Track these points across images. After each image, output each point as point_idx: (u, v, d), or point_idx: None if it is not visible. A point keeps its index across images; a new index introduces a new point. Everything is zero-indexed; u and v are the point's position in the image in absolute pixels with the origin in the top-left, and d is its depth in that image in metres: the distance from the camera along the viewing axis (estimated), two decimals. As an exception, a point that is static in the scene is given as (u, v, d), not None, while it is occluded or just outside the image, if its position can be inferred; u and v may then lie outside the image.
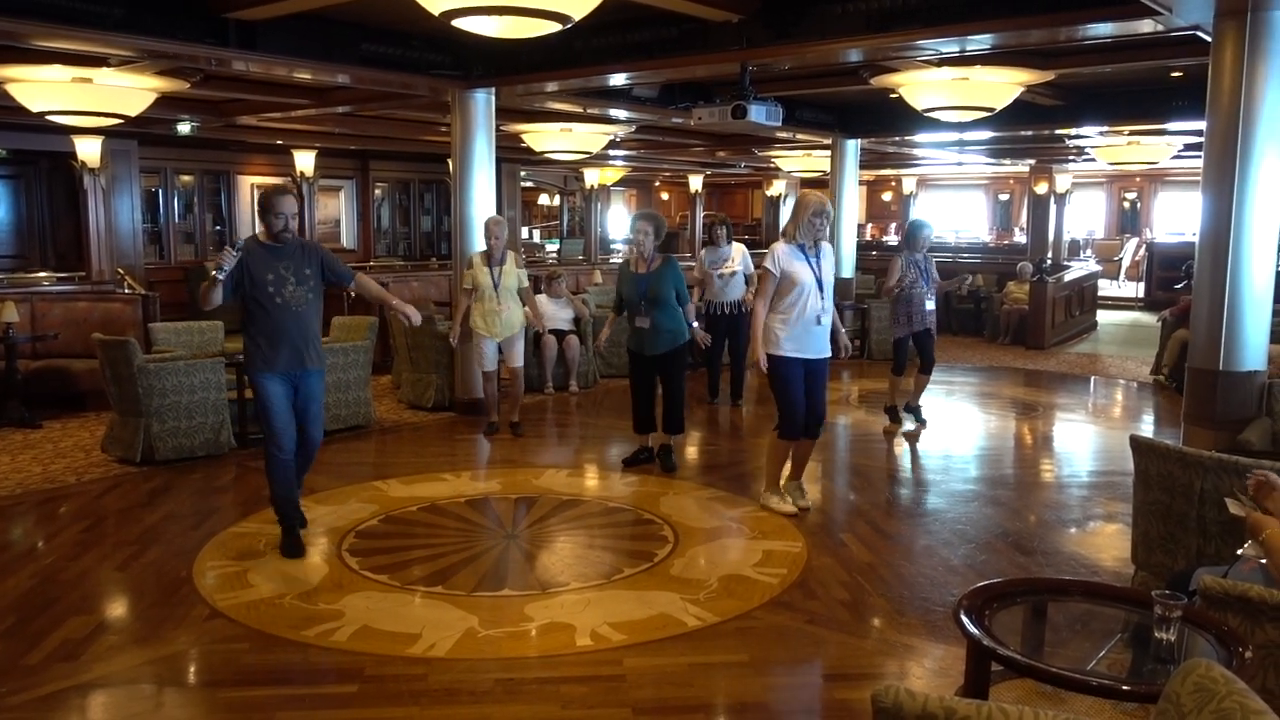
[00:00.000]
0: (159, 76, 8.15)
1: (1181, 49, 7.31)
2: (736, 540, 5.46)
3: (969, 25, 6.24)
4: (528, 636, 4.18)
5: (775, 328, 5.60)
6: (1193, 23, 5.58)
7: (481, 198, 8.86)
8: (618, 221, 26.71)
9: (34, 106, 8.28)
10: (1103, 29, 6.21)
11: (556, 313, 10.00)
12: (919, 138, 13.97)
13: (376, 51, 7.71)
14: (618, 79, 8.26)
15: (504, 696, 3.66)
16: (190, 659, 4.02)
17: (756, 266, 9.08)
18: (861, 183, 17.06)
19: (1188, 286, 9.28)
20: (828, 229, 5.71)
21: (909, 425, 8.34)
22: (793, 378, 5.63)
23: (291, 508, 5.18)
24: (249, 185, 16.41)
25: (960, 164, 21.78)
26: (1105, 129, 12.41)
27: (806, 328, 5.59)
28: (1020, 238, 23.44)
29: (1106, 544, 5.53)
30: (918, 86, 8.55)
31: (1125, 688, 2.59)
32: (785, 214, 24.19)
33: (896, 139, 14.04)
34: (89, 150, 12.90)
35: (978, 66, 7.96)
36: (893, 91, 9.04)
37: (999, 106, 8.75)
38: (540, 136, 12.08)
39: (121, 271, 13.01)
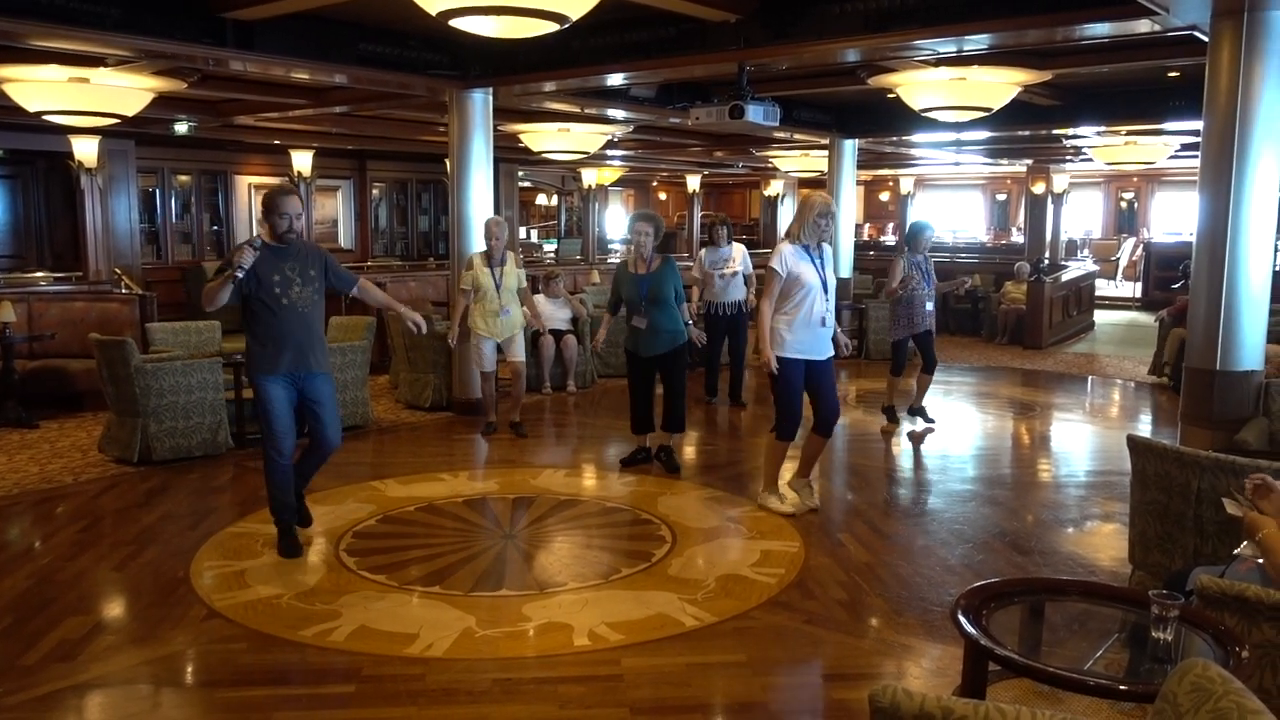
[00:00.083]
0: (156, 76, 8.14)
1: (1179, 49, 7.32)
2: (734, 540, 5.46)
3: (966, 25, 6.24)
4: (525, 636, 4.17)
5: (780, 329, 5.59)
6: (1190, 23, 5.58)
7: (479, 198, 8.86)
8: (615, 221, 26.71)
9: (31, 106, 8.27)
10: (1100, 29, 6.22)
11: (554, 313, 10.00)
12: (916, 138, 13.97)
13: (374, 51, 7.71)
14: (615, 79, 8.26)
15: (502, 696, 3.66)
16: (187, 659, 4.01)
17: (758, 267, 9.11)
18: (859, 183, 17.08)
19: (1185, 286, 9.30)
20: (833, 230, 5.71)
21: (917, 426, 8.32)
22: (794, 379, 5.62)
23: (289, 511, 5.16)
24: (246, 185, 16.39)
25: (958, 164, 21.79)
26: (1102, 129, 12.42)
27: (811, 329, 5.59)
28: (1018, 238, 23.44)
29: (1104, 544, 5.54)
30: (915, 86, 8.55)
31: (1122, 687, 2.59)
32: (783, 214, 24.25)
33: (894, 139, 14.03)
34: (86, 150, 12.88)
35: (975, 66, 7.96)
36: (890, 91, 9.05)
37: (996, 106, 8.76)
38: (538, 136, 12.08)
39: (118, 271, 12.99)
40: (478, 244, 8.77)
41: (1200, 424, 5.46)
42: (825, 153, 13.25)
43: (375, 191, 17.97)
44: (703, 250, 9.21)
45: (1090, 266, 18.31)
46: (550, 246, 22.79)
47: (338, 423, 5.21)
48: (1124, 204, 25.24)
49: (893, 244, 23.13)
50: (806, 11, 6.66)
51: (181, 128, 11.64)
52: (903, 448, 7.92)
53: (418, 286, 12.45)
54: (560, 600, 4.55)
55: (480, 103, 8.69)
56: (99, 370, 7.17)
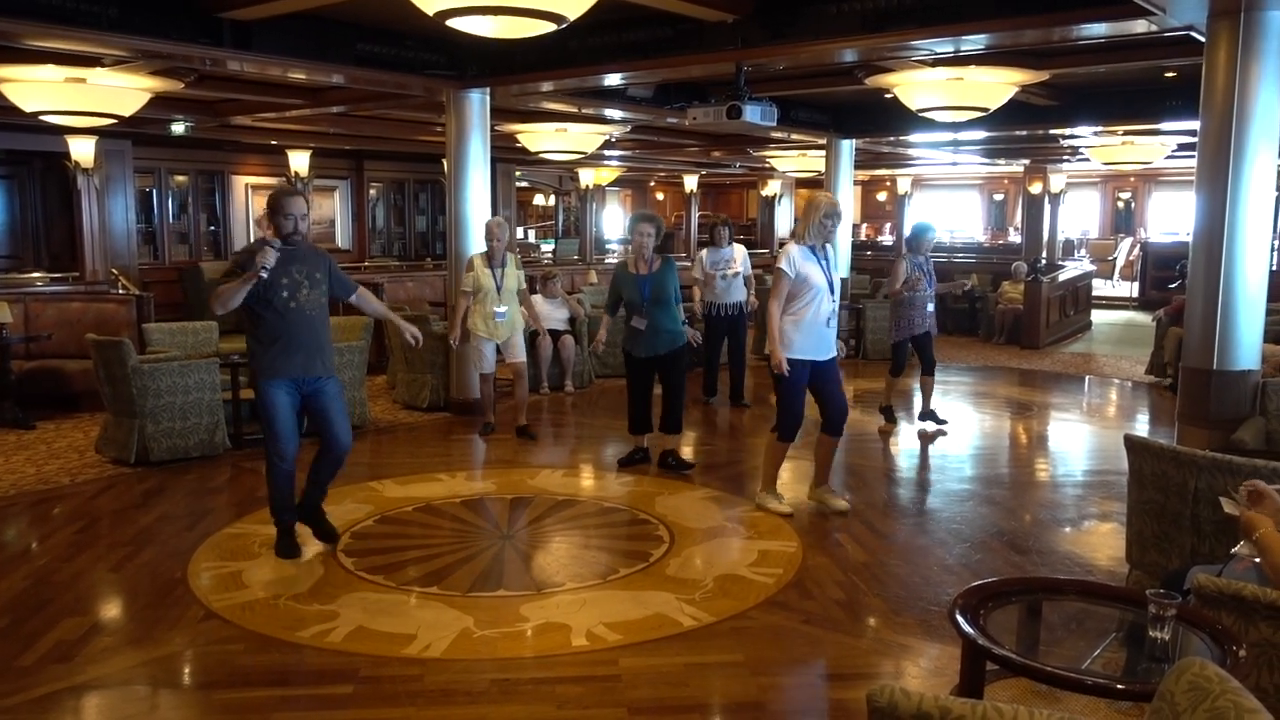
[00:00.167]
0: (153, 76, 8.13)
1: (1175, 49, 7.32)
2: (732, 540, 5.46)
3: (963, 25, 6.25)
4: (523, 637, 4.17)
5: (786, 329, 5.57)
6: (1186, 23, 5.59)
7: (476, 198, 8.86)
8: (613, 221, 26.71)
9: (27, 106, 8.25)
10: (1097, 29, 6.23)
11: (552, 313, 10.00)
12: (914, 138, 13.98)
13: (371, 51, 7.70)
14: (613, 79, 8.26)
15: (500, 697, 3.66)
16: (185, 660, 4.01)
17: (757, 267, 9.12)
18: (856, 183, 17.08)
19: (1181, 286, 9.31)
20: (838, 230, 5.70)
21: (929, 428, 8.31)
22: (798, 380, 5.60)
23: (289, 512, 5.14)
24: (244, 185, 16.37)
25: (955, 164, 21.80)
26: (1099, 129, 12.43)
27: (817, 329, 5.58)
28: (1015, 237, 23.46)
29: (1101, 543, 5.55)
30: (912, 86, 8.55)
31: (1120, 687, 2.59)
32: (780, 214, 24.24)
33: (891, 139, 14.04)
34: (83, 150, 12.86)
35: (972, 66, 7.97)
36: (887, 91, 9.05)
37: (993, 107, 8.76)
38: (535, 136, 12.07)
39: (115, 272, 12.98)
40: (475, 244, 8.77)
41: (1197, 423, 5.46)
42: (823, 153, 13.26)
43: (372, 191, 17.96)
44: (704, 251, 9.17)
45: (1087, 266, 18.34)
46: (548, 246, 22.80)
47: (348, 426, 5.13)
48: (1121, 204, 25.27)
49: (890, 244, 23.15)
50: (803, 11, 6.66)
51: (178, 128, 11.63)
52: (900, 448, 7.92)
53: (415, 287, 12.45)
54: (558, 600, 4.55)
55: (477, 103, 8.68)
56: (96, 371, 7.16)
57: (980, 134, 13.01)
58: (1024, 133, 13.38)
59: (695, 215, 23.78)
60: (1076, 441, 8.38)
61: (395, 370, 9.56)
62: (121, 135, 12.80)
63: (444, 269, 10.69)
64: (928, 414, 8.38)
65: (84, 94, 8.03)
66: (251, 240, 16.51)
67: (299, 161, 15.74)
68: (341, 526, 5.51)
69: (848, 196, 13.41)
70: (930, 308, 8.15)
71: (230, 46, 6.89)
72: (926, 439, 8.10)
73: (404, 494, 6.27)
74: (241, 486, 6.59)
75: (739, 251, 9.00)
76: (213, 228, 16.17)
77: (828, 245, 5.64)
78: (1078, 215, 25.03)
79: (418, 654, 3.98)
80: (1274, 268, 6.58)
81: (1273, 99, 5.22)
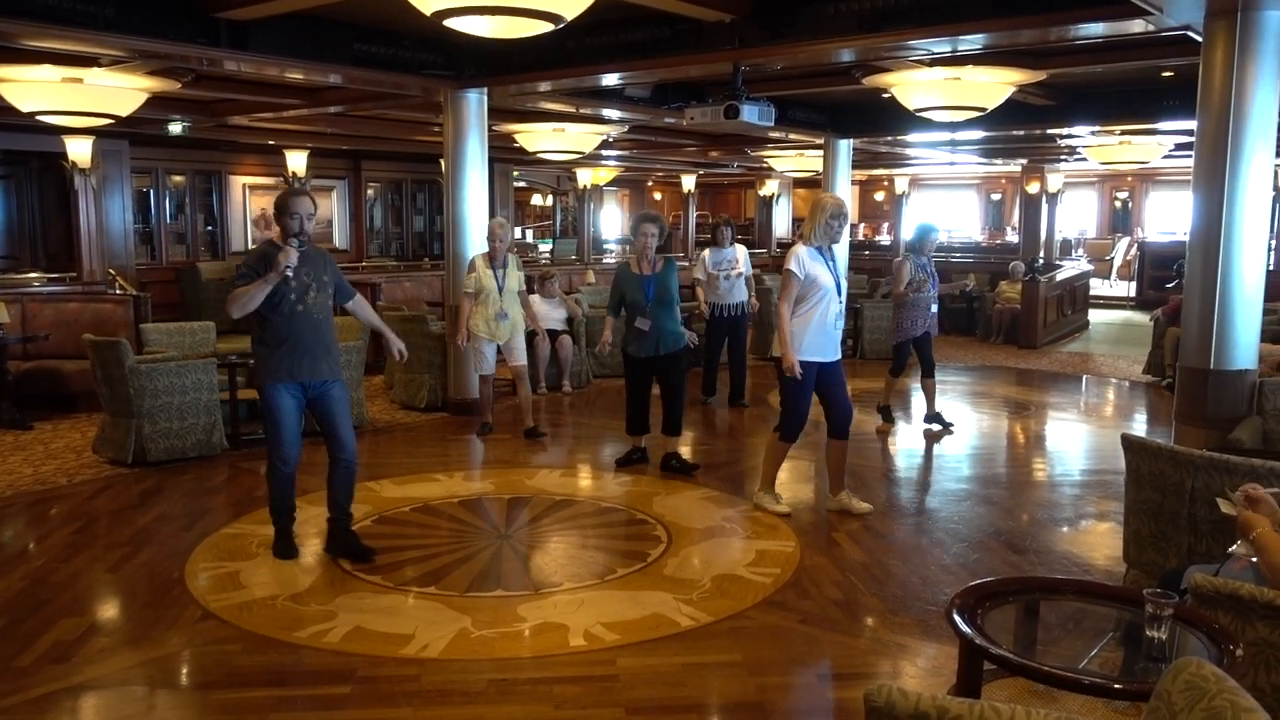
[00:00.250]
0: (150, 76, 8.12)
1: (1172, 49, 7.33)
2: (730, 540, 5.46)
3: (961, 25, 6.25)
4: (521, 637, 4.17)
5: (795, 330, 5.54)
6: (1183, 23, 5.59)
7: (474, 198, 8.86)
8: (610, 221, 26.71)
9: (24, 106, 8.25)
10: (1094, 29, 6.23)
11: (549, 313, 10.00)
12: (911, 137, 13.98)
13: (368, 51, 7.70)
14: (610, 79, 8.26)
15: (497, 697, 3.66)
16: (182, 661, 4.01)
17: (755, 267, 9.11)
18: (854, 183, 17.05)
19: (1179, 286, 9.31)
20: (845, 231, 5.69)
21: (934, 428, 8.32)
22: (805, 381, 5.56)
23: (288, 514, 5.11)
24: (241, 185, 16.37)
25: (952, 164, 21.81)
26: (1097, 129, 12.44)
27: (825, 331, 5.57)
28: (1012, 237, 23.49)
29: (1098, 542, 5.55)
30: (910, 86, 8.56)
31: (1117, 686, 2.59)
32: (778, 214, 24.24)
33: (889, 139, 14.04)
34: (80, 150, 12.85)
35: (969, 66, 7.97)
36: (885, 91, 9.05)
37: (991, 106, 8.77)
38: (533, 136, 12.07)
39: (113, 272, 12.97)
40: (473, 244, 8.77)
41: (1194, 423, 5.47)
42: (820, 153, 13.26)
43: (370, 191, 17.96)
44: (706, 251, 9.12)
45: (1085, 266, 18.35)
46: (545, 246, 22.80)
47: (352, 431, 5.08)
48: (1118, 203, 25.30)
49: (888, 244, 23.16)
50: (801, 11, 6.66)
51: (176, 128, 11.62)
52: (898, 447, 7.93)
53: (413, 287, 12.44)
54: (556, 600, 4.55)
55: (475, 103, 8.68)
56: (93, 371, 7.15)
57: (978, 134, 13.02)
58: (1021, 132, 13.38)
59: (693, 215, 23.78)
60: (1074, 441, 8.39)
61: (393, 370, 9.56)
62: (119, 135, 12.79)
63: (442, 269, 10.69)
64: (933, 417, 8.35)
65: (81, 94, 8.03)
66: (255, 242, 16.53)
67: (296, 161, 15.73)
68: (339, 527, 5.51)
69: (845, 196, 13.41)
70: (934, 309, 8.15)
71: (227, 46, 6.89)
72: (923, 439, 8.10)
73: (402, 494, 6.27)
74: (239, 487, 6.58)
75: (741, 252, 8.99)
76: (210, 228, 16.17)
77: (833, 246, 5.64)
78: (1075, 215, 25.05)
79: (415, 654, 3.98)
80: (1271, 267, 6.57)
81: (1270, 98, 5.22)
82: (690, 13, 6.82)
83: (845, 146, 12.93)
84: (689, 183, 23.40)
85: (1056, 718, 1.86)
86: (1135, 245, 21.64)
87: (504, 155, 15.69)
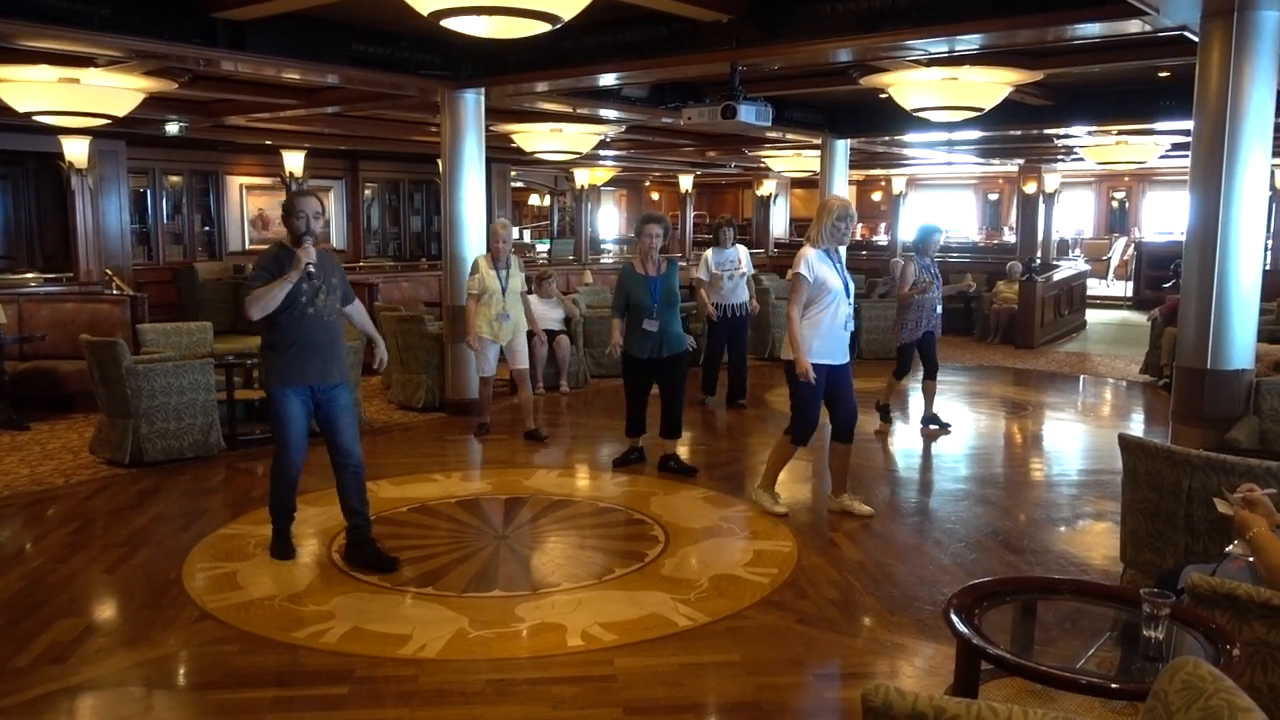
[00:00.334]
0: (147, 77, 8.12)
1: (1169, 49, 7.34)
2: (727, 540, 5.46)
3: (958, 25, 6.25)
4: (518, 637, 4.17)
5: (806, 334, 5.52)
6: (1180, 23, 5.60)
7: (471, 198, 8.85)
8: (608, 221, 26.70)
9: (20, 107, 8.24)
10: (1091, 29, 6.23)
11: (547, 313, 10.00)
12: (908, 137, 13.98)
13: (365, 52, 7.69)
14: (608, 79, 8.26)
15: (495, 697, 3.66)
16: (179, 661, 4.00)
17: (755, 267, 9.11)
18: (851, 183, 17.05)
19: (1176, 285, 9.33)
20: (852, 233, 5.69)
21: (931, 429, 8.32)
22: (817, 384, 5.54)
23: (288, 514, 5.10)
24: (238, 186, 16.36)
25: (949, 164, 21.82)
26: (1093, 129, 12.45)
27: (835, 333, 5.56)
28: (1009, 237, 23.49)
29: (1095, 542, 5.56)
30: (907, 86, 8.56)
31: (1114, 686, 2.59)
32: (775, 214, 24.24)
33: (886, 139, 14.04)
34: (76, 151, 12.83)
35: (966, 66, 7.98)
36: (882, 91, 9.06)
37: (988, 106, 8.77)
38: (530, 137, 12.07)
39: (109, 272, 12.96)
40: (470, 244, 8.77)
41: (1191, 423, 5.47)
42: (818, 153, 13.26)
43: (367, 192, 17.96)
44: (709, 251, 9.09)
45: (1082, 266, 18.36)
46: (543, 247, 22.81)
47: (357, 437, 5.04)
48: (1115, 203, 25.32)
49: (885, 244, 23.17)
50: (798, 11, 6.66)
51: (172, 128, 11.61)
52: (895, 447, 7.93)
53: (410, 287, 12.44)
54: (553, 601, 4.55)
55: (472, 103, 8.68)
56: (90, 371, 7.15)
57: (975, 134, 13.03)
58: (1018, 132, 13.39)
59: (691, 215, 23.78)
60: (1071, 441, 8.40)
61: (390, 371, 9.55)
62: (115, 135, 12.77)
63: (439, 269, 10.68)
64: (930, 418, 8.36)
65: (77, 94, 8.02)
66: (253, 242, 16.52)
67: (293, 161, 15.73)
68: (336, 528, 5.50)
69: (843, 196, 13.41)
70: (939, 309, 8.14)
71: (224, 46, 6.88)
72: (921, 439, 8.11)
73: (399, 494, 6.26)
74: (236, 487, 6.58)
75: (743, 252, 8.99)
76: (207, 228, 16.16)
77: (840, 249, 5.63)
78: (1072, 215, 25.06)
79: (413, 654, 3.98)
80: (1268, 267, 6.58)
81: (1266, 98, 5.23)
82: (687, 13, 6.82)
83: (842, 146, 12.93)
84: (686, 183, 23.40)
85: (1054, 718, 1.86)
86: (1132, 245, 21.66)
87: (501, 155, 15.69)
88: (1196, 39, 5.44)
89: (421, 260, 17.17)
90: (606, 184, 23.36)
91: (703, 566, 5.03)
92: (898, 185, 23.32)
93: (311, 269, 4.65)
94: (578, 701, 3.62)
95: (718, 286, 8.85)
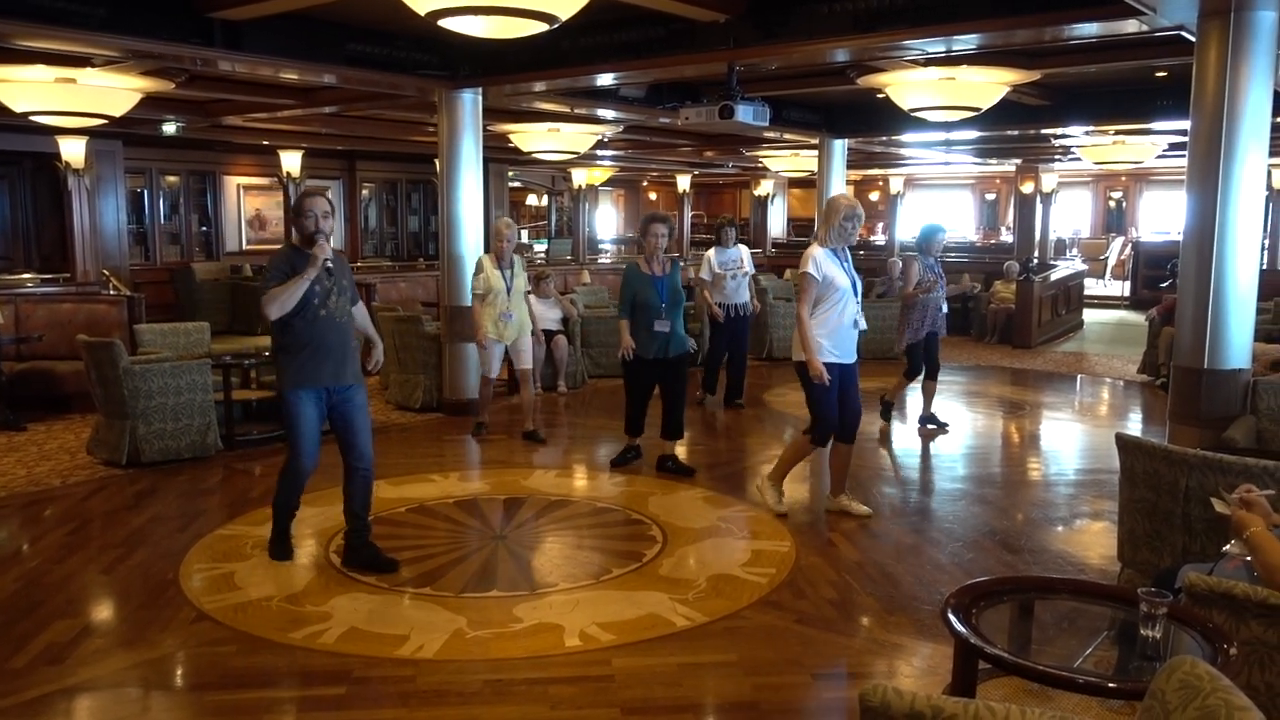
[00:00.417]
0: (144, 77, 8.11)
1: (1166, 49, 7.35)
2: (725, 540, 5.46)
3: (955, 25, 6.26)
4: (516, 637, 4.17)
5: (818, 334, 5.50)
6: (1177, 23, 5.60)
7: (469, 198, 8.85)
8: (605, 221, 26.71)
9: (17, 107, 8.23)
10: (1088, 29, 6.24)
11: (545, 313, 9.98)
12: (906, 137, 14.01)
13: (362, 51, 7.69)
14: (605, 79, 8.26)
15: (492, 697, 3.66)
16: (177, 662, 4.00)
17: (756, 266, 9.11)
18: (849, 182, 17.06)
19: (1173, 285, 9.33)
20: (859, 232, 5.68)
21: (930, 427, 8.31)
22: (830, 383, 5.52)
23: (291, 515, 5.08)
24: (235, 186, 16.35)
25: (947, 163, 21.85)
26: (1091, 128, 12.47)
27: (846, 332, 5.55)
28: (1007, 237, 23.52)
29: (1093, 542, 5.56)
30: (904, 86, 8.57)
31: (1111, 685, 2.59)
32: (773, 213, 24.25)
33: (883, 139, 14.07)
34: (73, 151, 12.83)
35: (964, 66, 7.98)
36: (879, 91, 9.06)
37: (985, 106, 8.78)
38: (528, 136, 12.07)
39: (106, 273, 12.95)
40: (468, 244, 8.77)
41: (1188, 422, 5.48)
42: (815, 153, 13.27)
43: (365, 192, 17.96)
44: (711, 251, 9.06)
45: (1079, 266, 18.39)
46: (540, 247, 22.81)
47: (370, 439, 5.00)
48: (1112, 203, 25.35)
49: (882, 244, 23.19)
50: (795, 11, 6.66)
51: (169, 128, 11.60)
52: (893, 447, 7.93)
53: (408, 287, 12.45)
54: (551, 601, 4.55)
55: (470, 103, 8.67)
56: (87, 372, 7.14)
57: (972, 134, 13.05)
58: (1016, 132, 13.42)
59: (688, 215, 23.79)
60: (1069, 440, 8.40)
61: (388, 371, 9.54)
62: (112, 135, 12.76)
63: (436, 269, 10.68)
64: (928, 418, 8.36)
65: (74, 94, 8.01)
66: (250, 242, 16.51)
67: (291, 161, 15.72)
68: (334, 528, 5.49)
69: (850, 196, 13.41)
70: (944, 309, 8.14)
71: (221, 46, 6.88)
72: (919, 438, 8.11)
73: (397, 495, 6.26)
74: (234, 488, 6.57)
75: (745, 251, 8.99)
76: (204, 228, 16.15)
77: (846, 248, 5.63)
78: (1069, 215, 25.09)
79: (410, 655, 3.98)
80: (1264, 267, 6.59)
81: (1262, 99, 5.24)
82: (685, 13, 6.82)
83: (840, 146, 12.94)
84: (684, 183, 23.42)
85: (1051, 717, 1.86)
86: (1129, 245, 21.68)
87: (499, 155, 15.69)
88: (1193, 39, 5.45)
89: (419, 260, 17.17)
90: (604, 184, 23.38)
91: (701, 566, 5.03)
92: (895, 185, 23.36)
93: (330, 265, 4.63)
94: (575, 702, 3.62)
95: (720, 286, 8.84)
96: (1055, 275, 15.10)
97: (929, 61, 7.92)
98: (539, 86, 8.59)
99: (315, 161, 16.27)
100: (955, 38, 6.55)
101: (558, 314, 10.19)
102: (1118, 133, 13.08)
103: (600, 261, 19.94)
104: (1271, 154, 5.92)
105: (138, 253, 14.96)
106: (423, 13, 5.04)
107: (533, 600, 4.56)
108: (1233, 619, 2.73)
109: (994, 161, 20.53)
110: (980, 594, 2.98)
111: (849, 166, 13.83)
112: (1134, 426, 8.93)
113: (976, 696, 2.65)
